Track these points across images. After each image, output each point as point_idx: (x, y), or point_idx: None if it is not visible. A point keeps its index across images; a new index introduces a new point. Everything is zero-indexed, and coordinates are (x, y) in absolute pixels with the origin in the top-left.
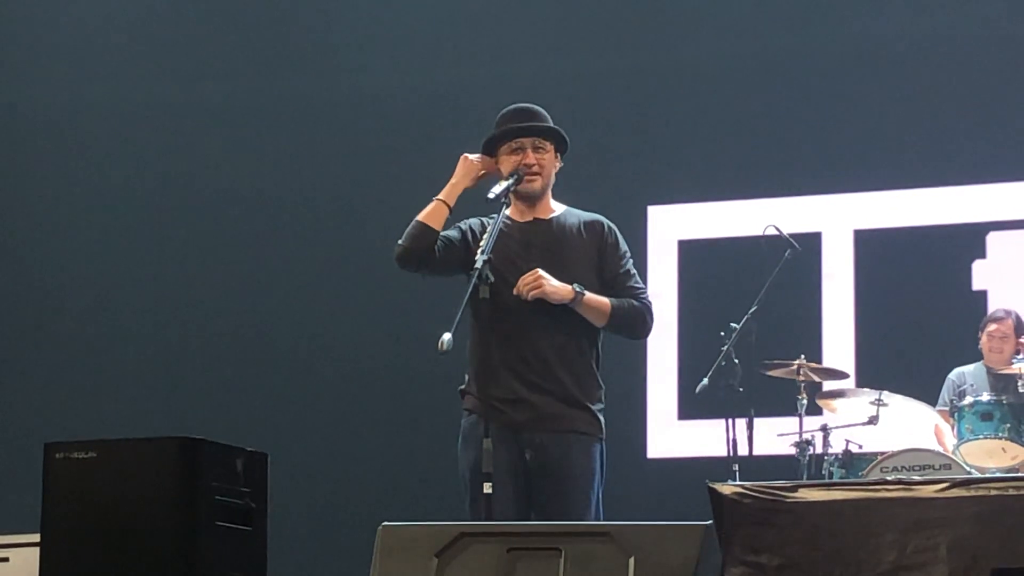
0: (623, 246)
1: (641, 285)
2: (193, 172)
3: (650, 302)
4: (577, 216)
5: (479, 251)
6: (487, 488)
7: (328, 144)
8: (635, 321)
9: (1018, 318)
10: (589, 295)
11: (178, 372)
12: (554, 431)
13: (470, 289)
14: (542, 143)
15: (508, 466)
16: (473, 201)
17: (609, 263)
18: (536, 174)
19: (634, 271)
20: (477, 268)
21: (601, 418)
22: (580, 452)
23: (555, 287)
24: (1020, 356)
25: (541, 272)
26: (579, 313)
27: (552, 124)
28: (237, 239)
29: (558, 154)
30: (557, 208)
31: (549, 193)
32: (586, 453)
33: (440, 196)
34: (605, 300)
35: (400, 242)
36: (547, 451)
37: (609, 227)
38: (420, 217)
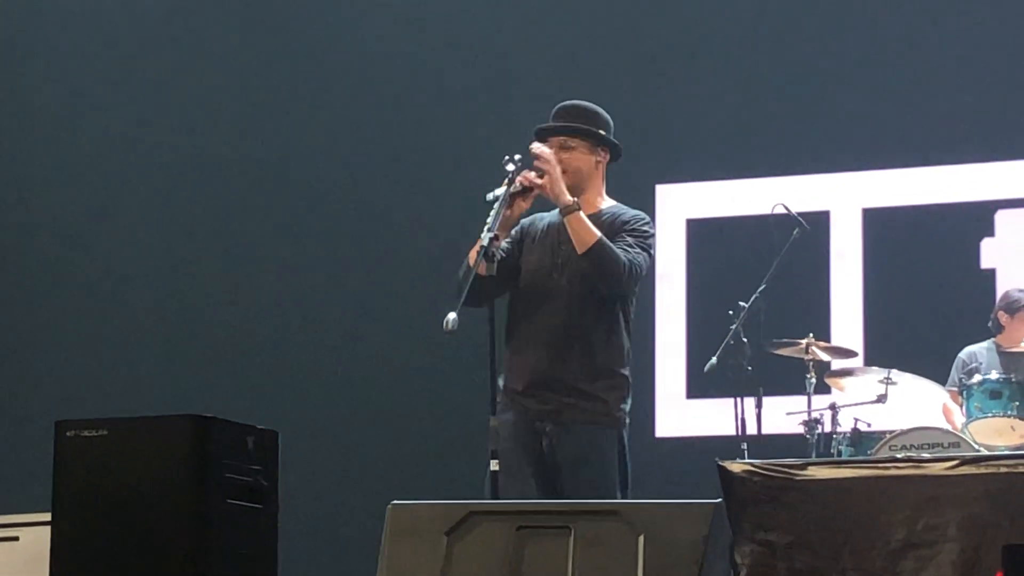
0: (642, 227)
1: (638, 246)
2: (203, 152)
3: (639, 262)
4: (615, 214)
5: (485, 228)
6: (493, 465)
7: (335, 129)
8: (612, 266)
9: None
10: (581, 215)
11: (189, 350)
12: (561, 421)
13: (474, 266)
14: (571, 141)
15: (527, 456)
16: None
17: (620, 229)
18: (544, 172)
19: (642, 236)
20: (483, 245)
21: (626, 404)
22: (588, 441)
23: (559, 185)
24: None
25: (554, 165)
26: (602, 300)
27: (592, 121)
28: (250, 220)
29: (601, 149)
30: (603, 205)
31: (593, 190)
32: (605, 442)
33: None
34: (595, 231)
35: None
36: (560, 441)
37: (636, 216)
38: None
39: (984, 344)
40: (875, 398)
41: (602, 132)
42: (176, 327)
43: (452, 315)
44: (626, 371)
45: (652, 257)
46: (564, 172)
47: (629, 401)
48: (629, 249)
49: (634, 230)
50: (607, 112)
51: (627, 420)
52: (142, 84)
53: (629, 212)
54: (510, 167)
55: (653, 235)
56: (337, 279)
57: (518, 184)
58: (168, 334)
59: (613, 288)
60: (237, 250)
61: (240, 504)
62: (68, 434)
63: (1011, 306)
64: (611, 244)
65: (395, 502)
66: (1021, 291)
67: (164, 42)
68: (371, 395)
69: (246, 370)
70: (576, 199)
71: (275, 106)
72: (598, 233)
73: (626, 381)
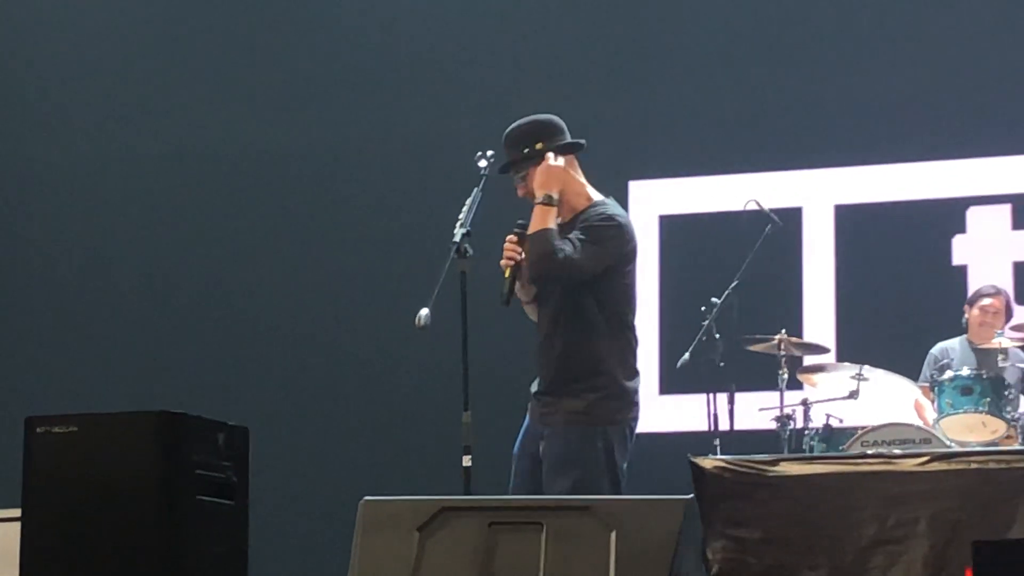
0: (596, 221)
1: (584, 240)
2: (173, 146)
3: (573, 259)
4: (588, 215)
5: (458, 223)
6: (466, 461)
7: (312, 128)
8: (541, 253)
9: (1008, 296)
10: (547, 208)
11: (161, 346)
12: (548, 423)
13: (448, 263)
14: (519, 174)
15: (529, 459)
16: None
17: (580, 226)
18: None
19: (591, 231)
20: (456, 241)
21: (611, 403)
22: (572, 442)
23: (540, 181)
24: (1001, 331)
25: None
26: (581, 299)
27: (526, 141)
28: (224, 217)
29: (553, 154)
30: (584, 205)
31: (570, 194)
32: (583, 442)
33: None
34: (543, 223)
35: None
36: (547, 444)
37: (597, 213)
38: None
39: (956, 340)
40: (847, 394)
41: (539, 145)
42: (148, 323)
43: (425, 311)
44: (611, 371)
45: (607, 251)
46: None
47: (617, 401)
48: (573, 242)
49: (586, 226)
50: (585, 109)
51: (615, 418)
52: (116, 75)
53: (596, 210)
54: (482, 163)
55: (610, 228)
56: (309, 275)
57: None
58: (140, 330)
59: (538, 276)
60: (210, 247)
61: (210, 500)
62: (38, 430)
63: (971, 298)
64: (552, 236)
65: (367, 498)
66: (993, 286)
67: (146, 34)
68: (343, 391)
69: (217, 366)
70: (548, 194)
71: (252, 101)
72: (542, 225)
73: (609, 381)
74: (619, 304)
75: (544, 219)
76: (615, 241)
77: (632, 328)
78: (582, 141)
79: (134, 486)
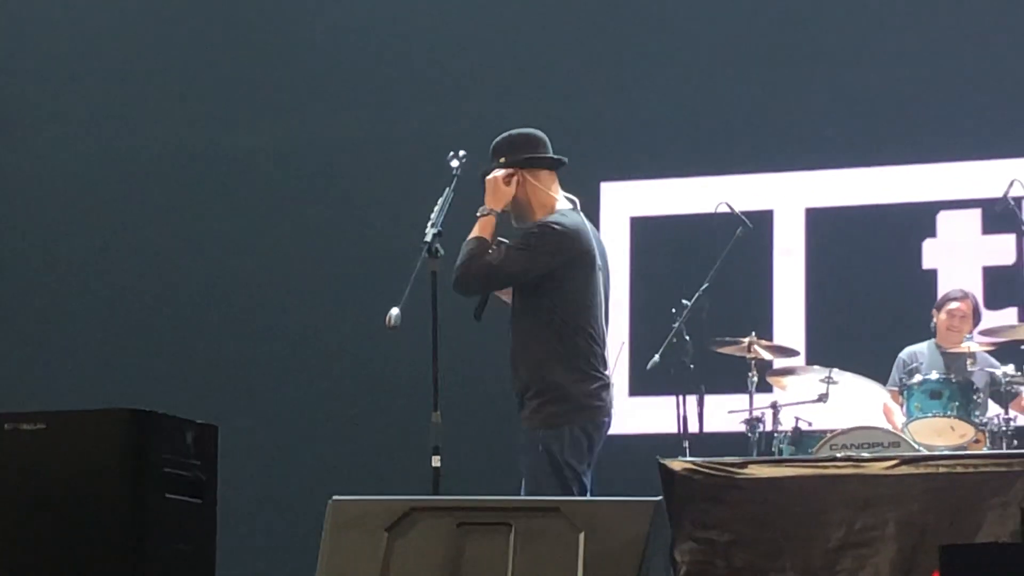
0: (529, 230)
1: (513, 249)
2: (144, 146)
3: (490, 265)
4: (530, 225)
5: (429, 223)
6: (435, 461)
7: (286, 128)
8: (458, 262)
9: (975, 300)
10: (484, 220)
11: (129, 344)
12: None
13: (419, 263)
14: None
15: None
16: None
17: None
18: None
19: (523, 239)
20: (427, 241)
21: (551, 407)
22: (526, 446)
23: (488, 191)
24: (970, 336)
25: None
26: (530, 306)
27: (493, 159)
28: (192, 214)
29: (514, 174)
30: (534, 218)
31: (528, 209)
32: (530, 446)
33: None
34: (475, 235)
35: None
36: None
37: (536, 223)
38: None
39: (925, 344)
40: (816, 397)
41: (502, 159)
42: (116, 320)
43: (395, 311)
44: (553, 376)
45: (534, 257)
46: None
47: (561, 405)
48: (501, 249)
49: (522, 233)
50: (557, 110)
51: (557, 422)
52: (93, 66)
53: (543, 219)
54: (454, 163)
55: (542, 236)
56: (281, 275)
57: None
58: (108, 327)
59: (454, 283)
60: (180, 246)
61: (179, 499)
62: (5, 427)
63: (939, 302)
64: (470, 245)
65: (336, 497)
66: (961, 290)
67: (134, 29)
68: (313, 390)
69: (187, 365)
70: (487, 208)
71: (230, 100)
72: (471, 235)
73: (550, 386)
74: (566, 309)
75: (476, 230)
76: (545, 247)
77: (585, 332)
78: (550, 157)
79: (102, 483)
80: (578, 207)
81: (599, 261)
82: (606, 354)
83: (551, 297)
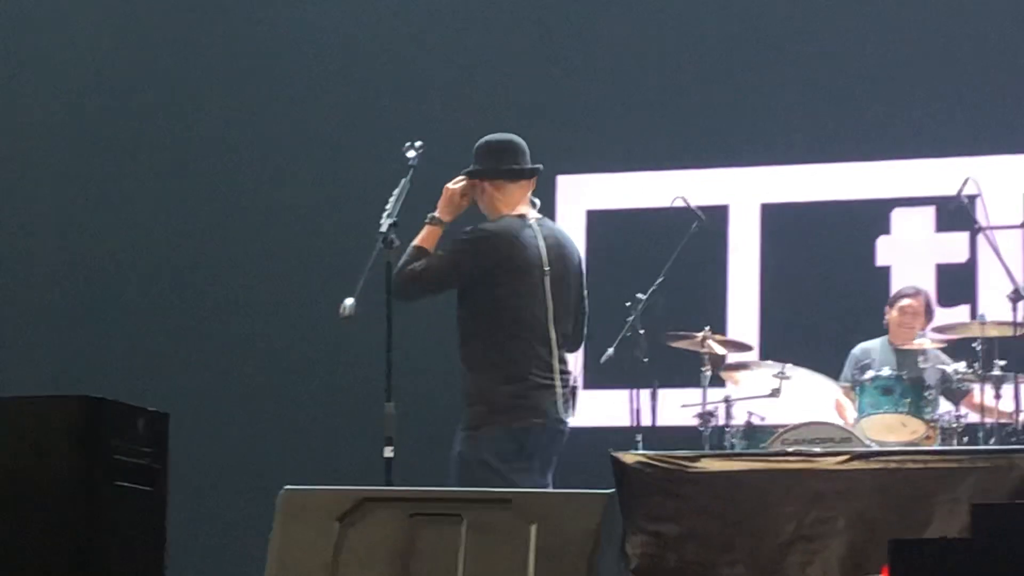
0: (453, 242)
1: (433, 258)
2: (95, 124)
3: (414, 272)
4: None
5: (385, 214)
6: (387, 452)
7: (241, 116)
8: (395, 268)
9: (928, 297)
10: (429, 228)
11: (81, 331)
12: None
13: (374, 253)
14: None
15: None
16: None
17: None
18: None
19: (443, 250)
20: (382, 231)
21: (473, 409)
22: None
23: (442, 200)
24: (922, 333)
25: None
26: (464, 311)
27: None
28: (146, 201)
29: (477, 183)
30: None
31: (488, 218)
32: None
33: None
34: (415, 243)
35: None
36: None
37: (468, 228)
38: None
39: (877, 341)
40: (769, 392)
41: (472, 167)
42: (68, 308)
43: (349, 301)
44: (479, 378)
45: (455, 263)
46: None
47: (484, 406)
48: (430, 259)
49: (448, 243)
50: (514, 103)
51: (477, 423)
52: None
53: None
54: (411, 154)
55: (463, 243)
56: (234, 264)
57: None
58: (60, 314)
59: (392, 294)
60: (132, 233)
61: (130, 486)
62: None
63: (891, 299)
64: (410, 255)
65: (288, 487)
66: (914, 287)
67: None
68: (267, 380)
69: (140, 353)
70: (436, 216)
71: (182, 86)
72: (413, 242)
73: (475, 388)
74: (495, 312)
75: (418, 237)
76: (464, 254)
77: (518, 336)
78: (510, 169)
79: (53, 470)
80: (528, 217)
81: (546, 265)
82: (551, 355)
83: (481, 302)
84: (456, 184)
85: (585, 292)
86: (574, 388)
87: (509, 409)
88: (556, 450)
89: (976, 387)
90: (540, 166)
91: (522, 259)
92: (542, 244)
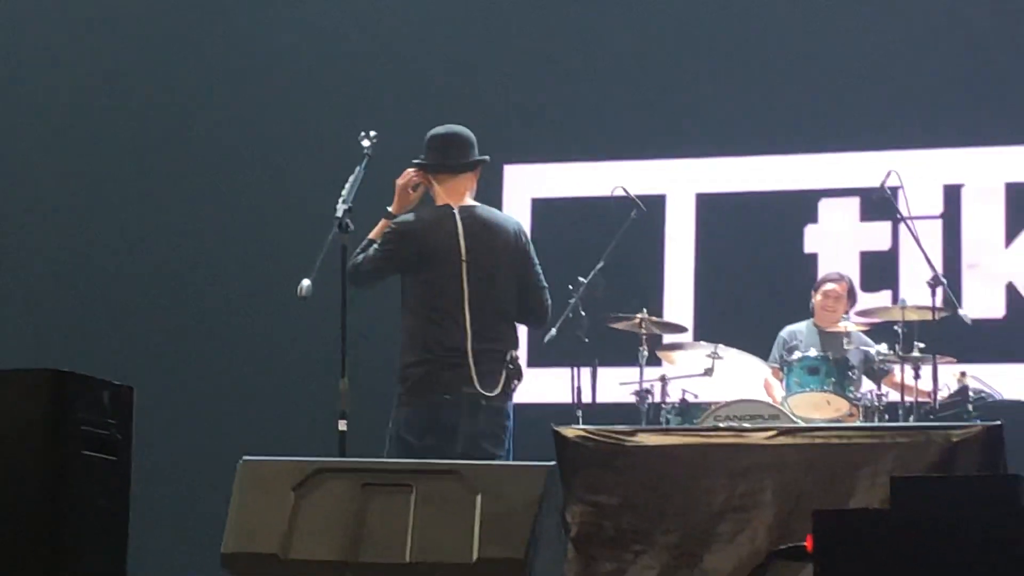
0: (383, 236)
1: (370, 249)
2: (56, 104)
3: (356, 264)
4: None
5: (340, 199)
6: (341, 425)
7: (208, 94)
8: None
9: (851, 283)
10: (382, 222)
11: (46, 305)
12: None
13: (330, 237)
14: None
15: None
16: None
17: None
18: None
19: (376, 245)
20: (338, 216)
21: (397, 388)
22: None
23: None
24: (846, 316)
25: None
26: (401, 298)
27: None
28: (105, 176)
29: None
30: None
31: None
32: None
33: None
34: (371, 236)
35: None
36: None
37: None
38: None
39: (803, 323)
40: (702, 371)
41: (419, 158)
42: (33, 282)
43: (306, 282)
44: (403, 360)
45: (384, 255)
46: None
47: (399, 385)
48: (371, 248)
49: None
50: (463, 94)
51: (398, 402)
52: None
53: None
54: (365, 143)
55: (387, 235)
56: (197, 244)
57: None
58: (26, 288)
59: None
60: (94, 208)
61: (95, 456)
62: None
63: (816, 284)
64: (361, 247)
65: (246, 457)
66: (838, 273)
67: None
68: (228, 357)
69: (106, 329)
70: (389, 210)
71: (142, 72)
72: (368, 237)
73: (401, 368)
74: (415, 298)
75: (374, 230)
76: (390, 244)
77: (431, 319)
78: (448, 164)
79: (20, 439)
80: (457, 207)
81: (464, 253)
82: (464, 338)
83: (406, 289)
84: (403, 179)
85: (536, 267)
86: (510, 363)
87: (419, 389)
88: (487, 422)
89: (897, 367)
90: (485, 158)
91: (438, 248)
92: (461, 233)
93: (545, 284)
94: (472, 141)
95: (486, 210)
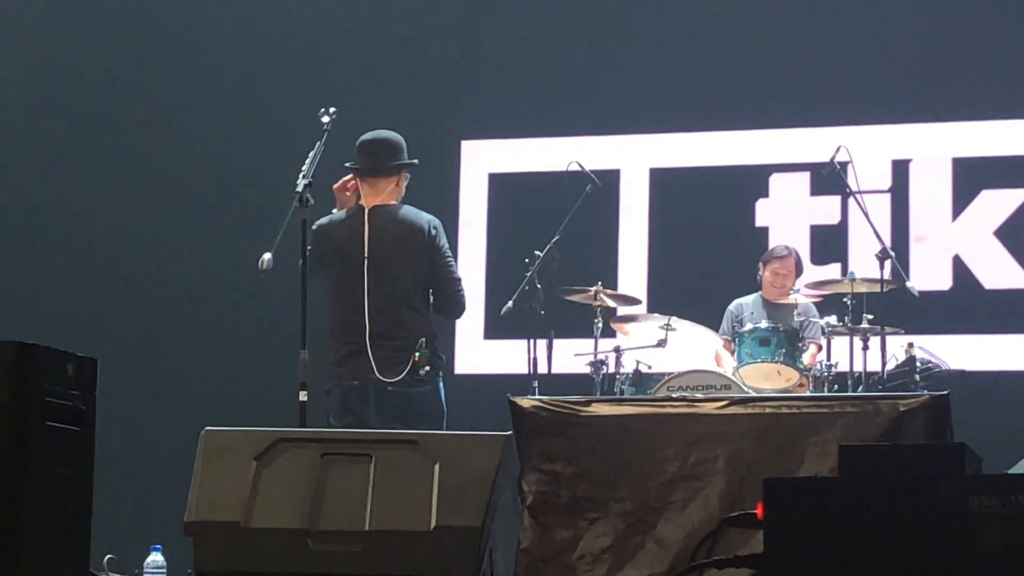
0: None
1: None
2: (36, 88)
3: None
4: None
5: (301, 175)
6: (302, 396)
7: (170, 68)
8: None
9: (798, 255)
10: None
11: (11, 278)
12: None
13: (290, 211)
14: None
15: None
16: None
17: None
18: None
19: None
20: (298, 191)
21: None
22: None
23: None
24: (795, 288)
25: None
26: None
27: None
28: (68, 149)
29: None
30: None
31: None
32: None
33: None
34: None
35: None
36: None
37: None
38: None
39: (751, 297)
40: (656, 343)
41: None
42: (3, 258)
43: (267, 256)
44: (328, 348)
45: (312, 252)
46: None
47: (328, 372)
48: None
49: None
50: (421, 70)
51: (326, 389)
52: None
53: None
54: (325, 119)
55: (310, 239)
56: (160, 218)
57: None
58: None
59: None
60: (57, 182)
61: (59, 426)
62: None
63: (764, 257)
64: None
65: (208, 428)
66: (784, 247)
67: None
68: (191, 329)
69: (67, 299)
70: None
71: (101, 47)
72: None
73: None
74: (331, 293)
75: None
76: (311, 246)
77: (339, 311)
78: (365, 167)
79: None
80: (370, 207)
81: (366, 250)
82: (366, 328)
83: (327, 284)
84: (339, 184)
85: (446, 261)
86: (421, 349)
87: (334, 375)
88: (395, 406)
89: (846, 339)
90: (413, 161)
91: (345, 245)
92: (367, 231)
93: (459, 276)
94: (400, 146)
95: (397, 208)
